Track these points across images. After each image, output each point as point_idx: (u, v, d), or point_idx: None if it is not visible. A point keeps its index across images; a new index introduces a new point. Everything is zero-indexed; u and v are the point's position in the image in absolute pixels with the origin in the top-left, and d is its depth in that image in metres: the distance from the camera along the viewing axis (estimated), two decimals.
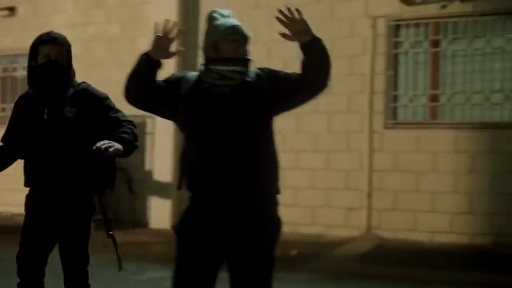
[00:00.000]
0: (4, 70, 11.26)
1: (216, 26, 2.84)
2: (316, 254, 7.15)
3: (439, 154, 7.89)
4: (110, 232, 3.41)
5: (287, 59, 7.27)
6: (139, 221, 9.10)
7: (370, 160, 8.21)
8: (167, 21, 2.79)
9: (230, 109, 2.75)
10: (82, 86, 3.46)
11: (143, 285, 5.63)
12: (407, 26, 8.24)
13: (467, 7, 7.83)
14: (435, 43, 8.09)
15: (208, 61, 2.84)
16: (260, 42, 7.92)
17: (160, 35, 2.78)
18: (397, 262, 6.84)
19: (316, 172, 8.28)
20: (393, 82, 8.24)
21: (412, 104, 8.21)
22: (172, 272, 2.86)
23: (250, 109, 2.76)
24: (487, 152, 7.70)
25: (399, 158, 8.08)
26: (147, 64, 2.80)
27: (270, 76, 2.84)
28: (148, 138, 9.41)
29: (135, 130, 3.36)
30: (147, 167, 9.25)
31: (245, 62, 2.83)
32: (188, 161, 2.83)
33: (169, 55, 2.82)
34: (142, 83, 2.81)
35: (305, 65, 2.80)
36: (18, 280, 3.40)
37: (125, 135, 3.25)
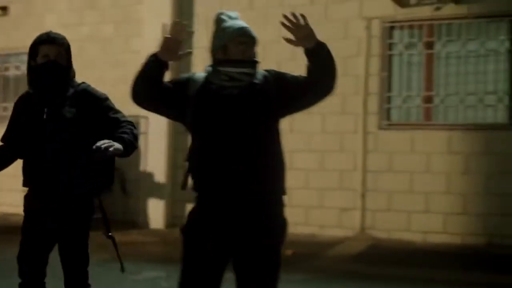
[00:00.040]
0: None
1: (224, 28, 2.86)
2: (311, 254, 7.16)
3: (433, 155, 7.94)
4: (110, 234, 3.41)
5: (281, 60, 7.31)
6: (133, 221, 9.09)
7: (364, 161, 8.24)
8: (175, 22, 2.80)
9: (238, 110, 2.77)
10: (82, 86, 3.46)
11: (140, 284, 5.62)
12: (401, 27, 8.28)
13: (461, 9, 7.89)
14: (429, 45, 8.13)
15: (216, 62, 2.86)
16: None
17: (169, 36, 2.79)
18: (391, 262, 6.87)
19: (310, 173, 8.30)
20: (387, 83, 8.28)
21: (406, 105, 8.26)
22: (178, 272, 2.86)
23: (257, 110, 2.78)
24: (480, 153, 7.75)
25: (393, 158, 8.12)
26: (155, 65, 2.80)
27: (277, 79, 2.86)
28: (141, 138, 9.39)
29: (135, 131, 3.36)
30: (141, 167, 9.23)
31: (253, 64, 2.85)
32: (195, 162, 2.84)
33: (177, 56, 2.83)
34: (150, 84, 2.81)
35: (310, 70, 2.82)
36: (16, 280, 3.39)
37: (125, 135, 3.24)
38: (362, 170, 8.24)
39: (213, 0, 8.82)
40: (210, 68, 2.89)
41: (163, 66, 2.81)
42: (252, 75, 2.83)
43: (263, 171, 2.77)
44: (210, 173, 2.77)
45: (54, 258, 3.42)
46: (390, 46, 8.31)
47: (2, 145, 3.55)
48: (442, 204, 7.83)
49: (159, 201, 9.25)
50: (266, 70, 2.91)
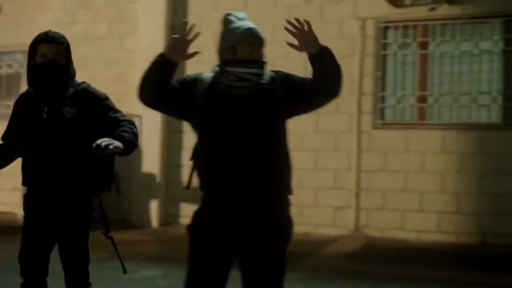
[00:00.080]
0: None
1: (232, 29, 2.87)
2: (305, 253, 7.17)
3: (427, 155, 7.98)
4: (109, 234, 3.41)
5: (275, 59, 7.28)
6: (126, 220, 9.07)
7: (358, 160, 8.28)
8: (184, 23, 2.81)
9: (246, 110, 2.78)
10: (82, 86, 3.45)
11: (138, 283, 5.62)
12: (396, 28, 8.31)
13: (455, 10, 7.93)
14: (423, 45, 8.16)
15: (224, 62, 2.87)
16: None
17: (177, 36, 2.80)
18: (385, 261, 6.90)
19: (304, 172, 8.32)
20: (381, 83, 8.31)
21: (400, 105, 8.29)
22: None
23: (264, 110, 2.79)
24: (474, 153, 7.80)
25: (387, 158, 8.16)
26: (163, 66, 2.80)
27: (284, 80, 2.88)
28: None
29: (135, 130, 3.35)
30: (135, 165, 9.22)
31: (262, 64, 2.87)
32: (202, 161, 2.85)
33: (185, 57, 2.84)
34: (158, 84, 2.81)
35: (315, 74, 2.84)
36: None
37: (126, 134, 3.23)
38: (356, 169, 8.27)
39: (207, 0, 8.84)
40: (217, 68, 2.90)
41: (172, 66, 2.81)
42: (260, 75, 2.84)
43: (270, 171, 2.78)
44: (217, 173, 2.78)
45: (54, 258, 3.41)
46: (385, 46, 8.34)
47: (2, 144, 3.55)
48: (436, 203, 7.87)
49: (152, 200, 9.24)
50: (273, 71, 2.93)
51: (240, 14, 2.93)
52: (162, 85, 2.81)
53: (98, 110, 3.37)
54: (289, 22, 2.79)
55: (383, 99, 8.32)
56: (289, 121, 2.93)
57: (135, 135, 3.31)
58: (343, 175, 8.34)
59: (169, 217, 9.16)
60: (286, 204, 2.87)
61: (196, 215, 2.87)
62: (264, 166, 2.76)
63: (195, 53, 2.86)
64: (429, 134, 8.00)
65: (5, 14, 10.88)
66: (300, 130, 8.44)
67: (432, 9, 7.94)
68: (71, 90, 3.40)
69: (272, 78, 2.87)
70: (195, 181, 2.88)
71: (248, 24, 2.89)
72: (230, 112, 2.78)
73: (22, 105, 3.48)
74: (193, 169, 2.89)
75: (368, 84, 8.29)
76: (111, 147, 3.03)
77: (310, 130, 8.43)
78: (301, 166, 8.36)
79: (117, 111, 3.42)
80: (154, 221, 9.15)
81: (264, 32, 2.92)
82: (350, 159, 8.32)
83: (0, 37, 10.60)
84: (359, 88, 8.27)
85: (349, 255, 7.26)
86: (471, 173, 7.78)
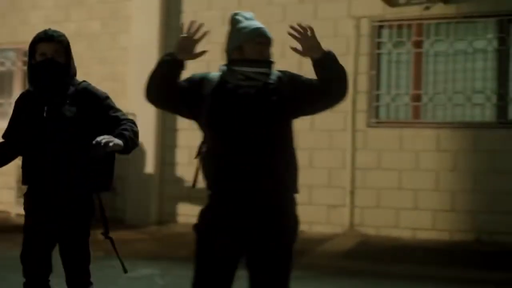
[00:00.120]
0: None
1: (240, 29, 2.87)
2: (300, 251, 7.17)
3: (421, 153, 8.01)
4: (109, 235, 3.41)
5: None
6: (121, 219, 9.06)
7: (353, 158, 8.30)
8: (192, 22, 2.81)
9: (254, 109, 2.79)
10: (82, 85, 3.45)
11: (135, 282, 5.61)
12: (390, 27, 8.33)
13: (450, 9, 7.96)
14: (418, 44, 8.19)
15: (231, 62, 2.87)
16: None
17: (185, 35, 2.80)
18: (380, 259, 6.92)
19: (299, 170, 8.32)
20: (376, 81, 8.34)
21: (394, 104, 8.32)
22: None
23: (273, 110, 2.80)
24: (468, 151, 7.84)
25: (381, 156, 8.19)
26: (170, 65, 2.81)
27: (291, 80, 2.89)
28: None
29: (136, 128, 3.35)
30: (130, 164, 9.20)
31: (269, 64, 2.88)
32: (210, 160, 2.85)
33: (193, 56, 2.84)
34: (166, 83, 2.82)
35: (320, 79, 2.85)
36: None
37: (126, 132, 3.23)
38: (351, 167, 8.29)
39: None
40: (225, 68, 2.91)
41: (180, 66, 2.82)
42: (268, 75, 2.86)
43: (277, 170, 2.79)
44: (224, 172, 2.79)
45: (55, 257, 3.41)
46: (379, 45, 8.36)
47: (2, 142, 3.54)
48: (431, 201, 7.91)
49: (147, 198, 9.23)
50: (280, 71, 2.94)
51: (248, 14, 2.94)
52: (170, 84, 2.81)
53: (98, 109, 3.37)
54: (292, 27, 2.81)
55: (377, 97, 8.35)
56: None
57: (135, 134, 3.31)
58: (338, 173, 8.36)
59: (163, 215, 9.16)
60: (292, 203, 2.90)
61: (203, 214, 2.88)
62: (271, 165, 2.77)
63: (203, 52, 2.86)
64: (424, 132, 8.04)
65: None
66: (295, 128, 8.45)
67: (427, 8, 7.97)
68: (72, 89, 3.39)
69: (279, 78, 2.89)
70: (196, 180, 2.88)
71: (256, 23, 2.90)
72: (237, 111, 2.79)
73: (22, 104, 3.48)
74: (198, 168, 2.90)
75: (363, 83, 8.31)
76: (111, 144, 3.02)
77: (305, 128, 8.44)
78: None
79: (118, 110, 3.43)
80: (149, 219, 9.14)
81: None
82: (344, 157, 8.34)
83: None
84: (353, 87, 8.27)
85: (344, 253, 7.27)
86: (465, 171, 7.82)
